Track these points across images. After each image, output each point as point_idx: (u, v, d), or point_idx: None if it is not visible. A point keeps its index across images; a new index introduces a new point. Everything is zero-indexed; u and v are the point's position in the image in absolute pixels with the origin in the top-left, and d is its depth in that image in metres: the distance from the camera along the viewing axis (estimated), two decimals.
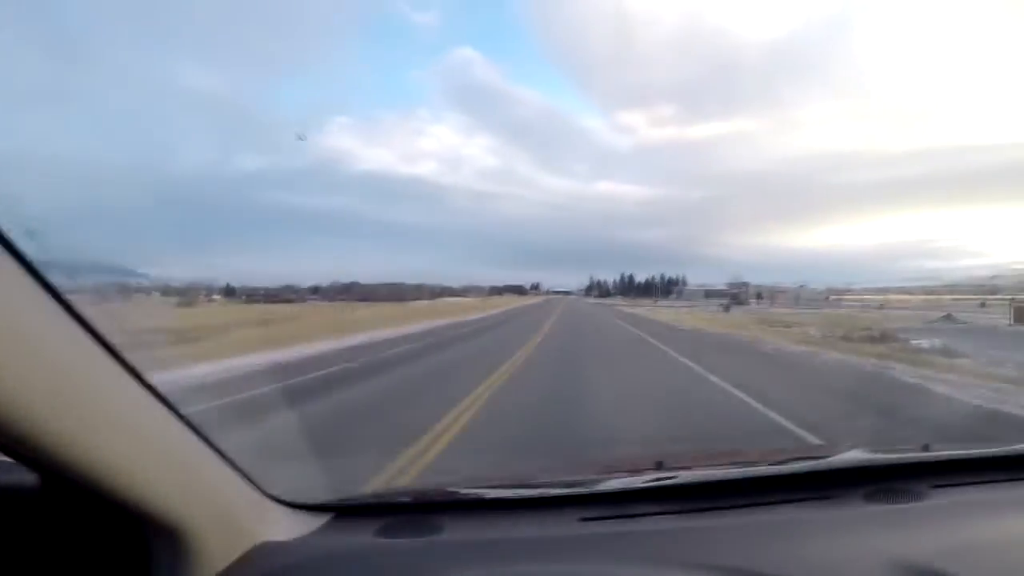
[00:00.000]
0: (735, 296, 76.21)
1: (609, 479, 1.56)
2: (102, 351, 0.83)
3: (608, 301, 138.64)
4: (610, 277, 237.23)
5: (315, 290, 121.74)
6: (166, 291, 45.87)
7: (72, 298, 0.78)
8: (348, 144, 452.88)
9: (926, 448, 1.76)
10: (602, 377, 11.04)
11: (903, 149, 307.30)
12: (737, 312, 51.58)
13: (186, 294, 50.63)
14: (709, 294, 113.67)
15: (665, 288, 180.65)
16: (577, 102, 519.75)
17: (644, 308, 68.92)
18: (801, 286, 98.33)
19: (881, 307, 54.83)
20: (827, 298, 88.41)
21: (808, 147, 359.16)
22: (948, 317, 30.96)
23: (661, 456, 1.72)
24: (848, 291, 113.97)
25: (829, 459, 1.63)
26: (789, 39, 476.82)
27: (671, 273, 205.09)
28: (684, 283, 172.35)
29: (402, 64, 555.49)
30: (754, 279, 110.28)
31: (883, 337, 21.41)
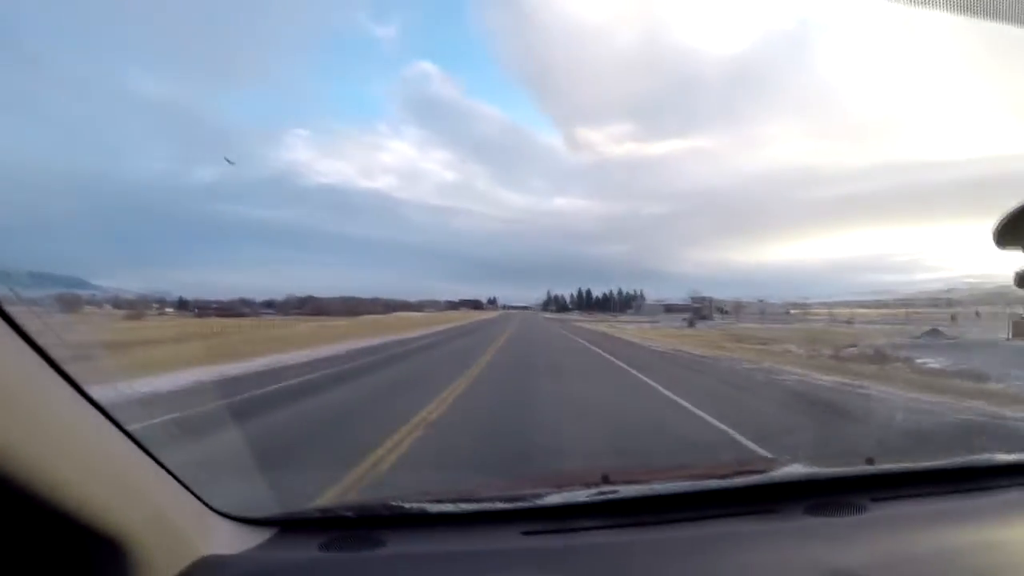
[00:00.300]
0: (698, 311, 74.37)
1: (552, 493, 1.56)
2: (42, 362, 0.84)
3: (566, 316, 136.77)
4: (567, 292, 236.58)
5: (270, 304, 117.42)
6: (117, 303, 44.77)
7: (13, 309, 0.78)
8: (306, 157, 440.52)
9: (870, 462, 1.77)
10: (570, 439, 7.18)
11: (859, 165, 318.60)
12: (703, 327, 49.40)
13: (136, 307, 48.05)
14: (669, 309, 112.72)
15: (623, 303, 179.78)
16: (535, 118, 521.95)
17: (605, 324, 66.10)
18: (761, 300, 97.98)
19: (850, 321, 53.55)
20: (787, 312, 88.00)
21: (765, 163, 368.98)
22: (934, 332, 28.97)
23: (607, 470, 1.70)
24: (804, 304, 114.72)
25: (771, 473, 1.66)
26: (747, 57, 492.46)
27: (628, 288, 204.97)
28: (642, 298, 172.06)
29: (362, 77, 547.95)
30: (712, 294, 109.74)
31: (880, 356, 19.13)
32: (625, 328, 50.58)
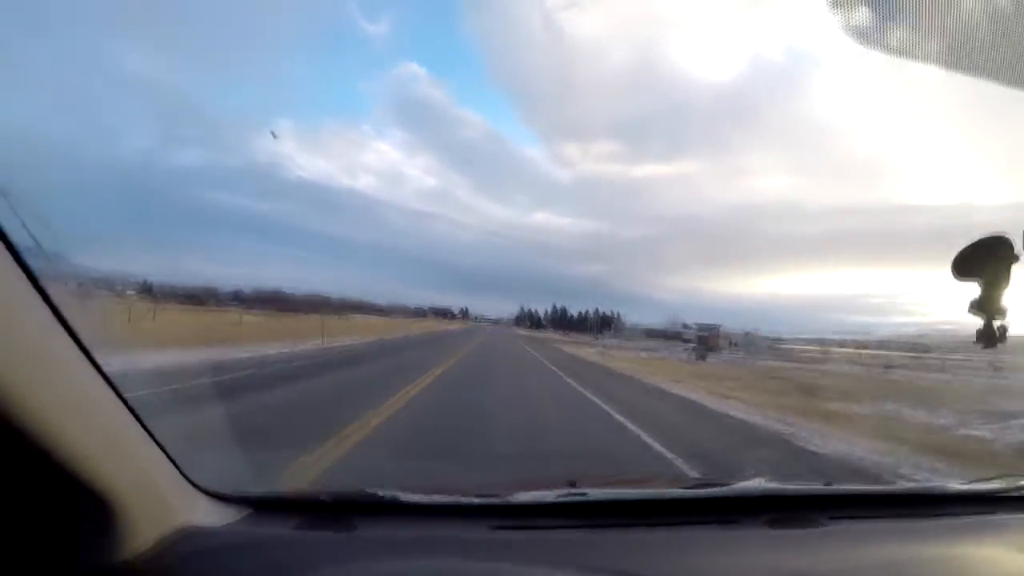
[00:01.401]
0: (703, 340, 67.50)
1: (522, 492, 1.59)
2: (58, 324, 0.88)
3: (542, 334, 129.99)
4: (542, 308, 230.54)
5: (236, 294, 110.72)
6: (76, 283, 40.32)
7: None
8: (288, 149, 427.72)
9: (828, 484, 1.88)
10: None
11: (839, 204, 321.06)
12: (715, 362, 41.47)
13: (87, 287, 42.39)
14: (651, 333, 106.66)
15: (600, 323, 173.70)
16: (520, 130, 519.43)
17: (593, 348, 55.31)
18: (747, 333, 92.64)
19: (888, 367, 47.41)
20: (770, 346, 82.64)
21: (748, 194, 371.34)
22: None
23: (574, 476, 1.75)
24: (781, 340, 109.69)
25: (735, 486, 1.71)
26: (737, 87, 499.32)
27: (604, 309, 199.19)
28: (621, 320, 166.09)
29: (349, 73, 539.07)
30: (687, 321, 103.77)
31: None
32: (624, 357, 39.91)
